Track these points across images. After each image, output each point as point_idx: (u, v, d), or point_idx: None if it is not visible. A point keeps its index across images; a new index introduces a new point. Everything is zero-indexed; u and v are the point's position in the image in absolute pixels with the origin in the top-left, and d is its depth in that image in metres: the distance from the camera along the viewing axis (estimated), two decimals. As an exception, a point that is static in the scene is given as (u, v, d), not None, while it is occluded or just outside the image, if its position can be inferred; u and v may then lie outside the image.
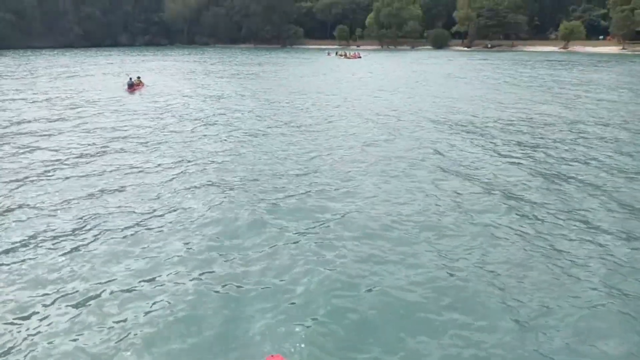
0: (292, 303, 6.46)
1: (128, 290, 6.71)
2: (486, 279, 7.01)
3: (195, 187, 11.28)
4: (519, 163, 13.19)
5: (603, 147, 14.87)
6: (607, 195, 10.56)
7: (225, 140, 16.22)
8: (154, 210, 9.69)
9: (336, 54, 77.30)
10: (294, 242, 8.28)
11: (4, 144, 15.57)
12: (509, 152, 14.34)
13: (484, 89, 30.82)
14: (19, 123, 19.17)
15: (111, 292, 6.67)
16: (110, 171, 12.49)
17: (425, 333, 5.82)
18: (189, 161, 13.48)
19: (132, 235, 8.59)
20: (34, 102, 25.06)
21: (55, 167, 12.96)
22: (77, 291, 6.72)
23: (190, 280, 7.04)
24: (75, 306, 6.36)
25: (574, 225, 8.91)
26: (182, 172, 12.46)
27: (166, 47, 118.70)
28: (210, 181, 11.64)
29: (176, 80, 36.74)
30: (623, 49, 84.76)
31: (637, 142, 15.54)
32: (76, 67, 50.36)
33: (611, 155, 13.86)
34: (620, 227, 8.91)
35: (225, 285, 6.90)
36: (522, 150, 14.61)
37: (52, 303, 6.41)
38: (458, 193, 10.75)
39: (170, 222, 9.09)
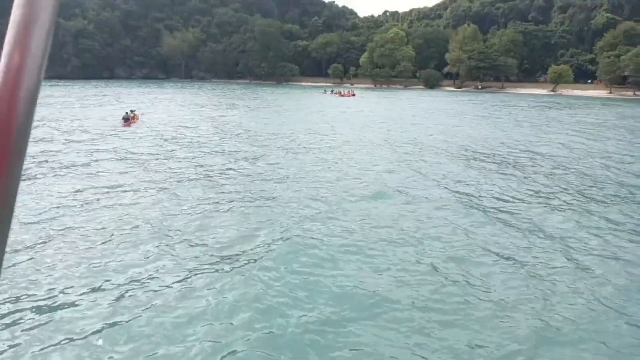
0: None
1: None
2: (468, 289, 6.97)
3: (184, 214, 11.40)
4: (500, 187, 13.40)
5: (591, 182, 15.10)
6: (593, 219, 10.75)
7: (215, 173, 16.23)
8: (136, 241, 9.68)
9: (332, 91, 78.38)
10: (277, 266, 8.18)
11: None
12: (494, 179, 14.58)
13: (472, 126, 31.34)
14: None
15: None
16: (100, 199, 12.57)
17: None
18: (175, 192, 13.54)
19: (115, 258, 8.63)
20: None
21: (45, 194, 13.00)
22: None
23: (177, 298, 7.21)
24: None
25: (545, 243, 9.00)
26: (167, 201, 12.55)
27: (163, 81, 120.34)
28: (198, 214, 11.57)
29: (171, 114, 36.98)
30: (610, 93, 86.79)
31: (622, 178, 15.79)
32: (72, 99, 50.78)
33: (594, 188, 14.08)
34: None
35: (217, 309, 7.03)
36: (508, 176, 14.86)
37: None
38: (446, 216, 11.05)
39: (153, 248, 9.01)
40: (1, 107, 0.47)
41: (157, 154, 19.64)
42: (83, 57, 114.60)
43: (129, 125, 29.06)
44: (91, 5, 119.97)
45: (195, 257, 8.87)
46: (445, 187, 14.57)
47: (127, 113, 30.51)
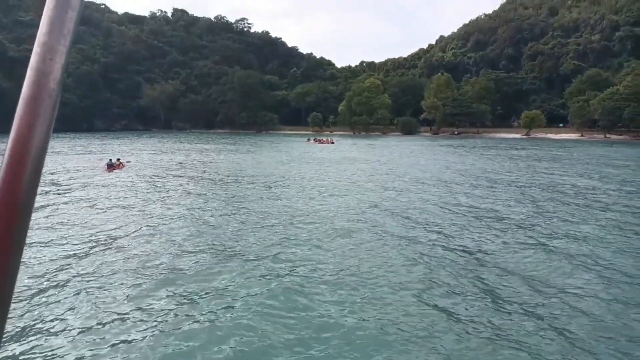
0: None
1: None
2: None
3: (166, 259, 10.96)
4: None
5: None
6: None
7: (197, 218, 15.63)
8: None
9: (314, 139, 79.01)
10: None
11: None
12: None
13: (451, 163, 31.44)
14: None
15: None
16: (80, 242, 12.28)
17: None
18: (160, 237, 13.04)
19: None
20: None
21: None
22: None
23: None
24: None
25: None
26: (149, 247, 12.05)
27: (143, 132, 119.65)
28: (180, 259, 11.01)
29: (155, 162, 36.63)
30: (582, 135, 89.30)
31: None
32: (52, 149, 49.96)
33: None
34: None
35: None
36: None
37: None
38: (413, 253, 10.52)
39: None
40: (9, 175, 0.52)
41: (141, 198, 19.36)
42: (61, 110, 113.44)
43: (112, 171, 28.90)
44: (70, 59, 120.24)
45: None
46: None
47: (110, 160, 30.44)
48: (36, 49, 0.57)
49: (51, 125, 0.56)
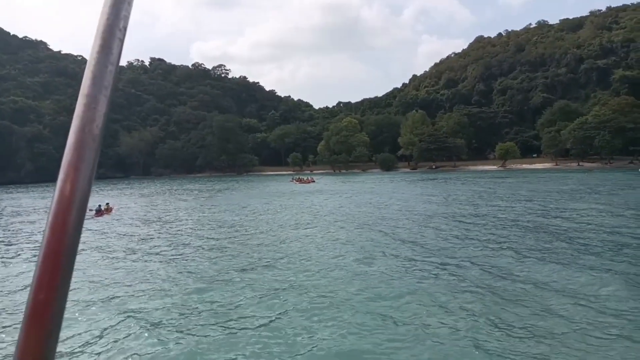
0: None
1: None
2: None
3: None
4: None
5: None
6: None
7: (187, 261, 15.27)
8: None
9: (298, 179, 78.35)
10: None
11: None
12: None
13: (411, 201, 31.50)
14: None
15: None
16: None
17: None
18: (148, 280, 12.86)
19: None
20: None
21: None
22: None
23: None
24: None
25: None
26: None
27: (121, 179, 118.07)
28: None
29: (143, 208, 36.52)
30: (556, 165, 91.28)
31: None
32: (32, 201, 48.85)
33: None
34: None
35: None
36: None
37: None
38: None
39: None
40: (59, 212, 0.58)
41: (131, 240, 19.62)
42: (37, 161, 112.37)
43: (100, 216, 28.84)
44: (47, 110, 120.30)
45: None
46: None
47: (99, 206, 30.19)
48: (81, 99, 0.64)
49: (95, 167, 0.63)
